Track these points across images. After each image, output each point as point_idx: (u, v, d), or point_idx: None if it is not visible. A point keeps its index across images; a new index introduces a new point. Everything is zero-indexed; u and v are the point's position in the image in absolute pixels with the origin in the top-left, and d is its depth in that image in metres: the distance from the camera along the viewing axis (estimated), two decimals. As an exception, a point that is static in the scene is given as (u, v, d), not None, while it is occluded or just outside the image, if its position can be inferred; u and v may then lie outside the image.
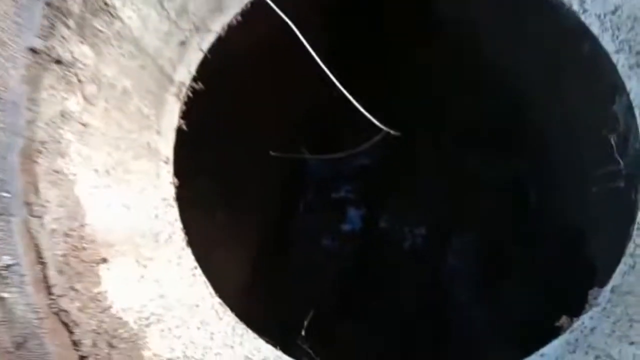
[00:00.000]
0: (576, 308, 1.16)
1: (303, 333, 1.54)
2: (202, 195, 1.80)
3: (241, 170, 2.12)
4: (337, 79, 1.56)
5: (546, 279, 2.11)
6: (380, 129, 1.69)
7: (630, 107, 1.45)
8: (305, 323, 1.58)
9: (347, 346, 2.38)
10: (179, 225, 1.36)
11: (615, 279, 1.10)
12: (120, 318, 0.96)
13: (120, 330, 0.95)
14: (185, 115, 1.34)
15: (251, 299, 2.17)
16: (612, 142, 1.49)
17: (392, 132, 1.74)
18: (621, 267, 1.10)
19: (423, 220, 2.76)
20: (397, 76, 3.11)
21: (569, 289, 2.00)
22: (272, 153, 1.96)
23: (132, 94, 1.08)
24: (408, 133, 2.99)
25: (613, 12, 1.41)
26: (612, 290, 1.09)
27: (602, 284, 1.11)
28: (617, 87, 1.64)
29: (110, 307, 0.96)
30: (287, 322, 1.84)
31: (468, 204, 2.69)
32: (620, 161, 1.46)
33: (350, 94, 1.66)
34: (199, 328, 1.13)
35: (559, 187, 2.37)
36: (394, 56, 3.09)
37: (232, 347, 1.16)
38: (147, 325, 1.00)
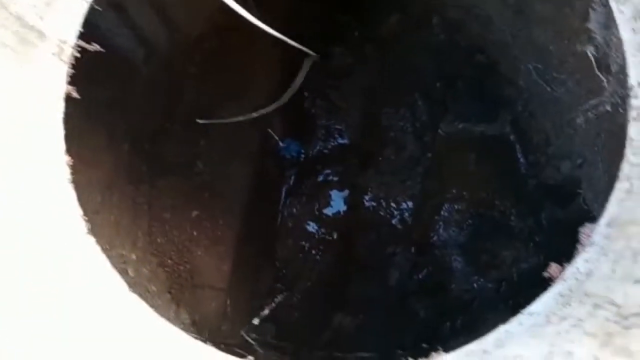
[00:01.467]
0: (568, 253, 0.95)
1: (256, 321, 1.33)
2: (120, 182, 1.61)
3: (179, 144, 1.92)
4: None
5: (535, 228, 1.91)
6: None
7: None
8: (267, 310, 1.37)
9: (337, 337, 2.19)
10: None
11: (611, 210, 0.89)
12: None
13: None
14: (75, 80, 1.11)
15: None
16: (591, 57, 1.29)
17: (310, 52, 1.55)
18: (616, 194, 0.89)
19: (409, 194, 2.56)
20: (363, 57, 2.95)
21: (557, 234, 1.80)
22: (198, 120, 1.78)
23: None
24: (383, 107, 2.83)
25: None
26: (609, 224, 0.88)
27: (595, 218, 0.90)
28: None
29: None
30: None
31: (454, 172, 2.49)
32: (603, 78, 1.25)
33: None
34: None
35: (548, 136, 2.17)
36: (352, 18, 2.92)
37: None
38: None
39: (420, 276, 2.37)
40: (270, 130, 1.99)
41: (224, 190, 2.52)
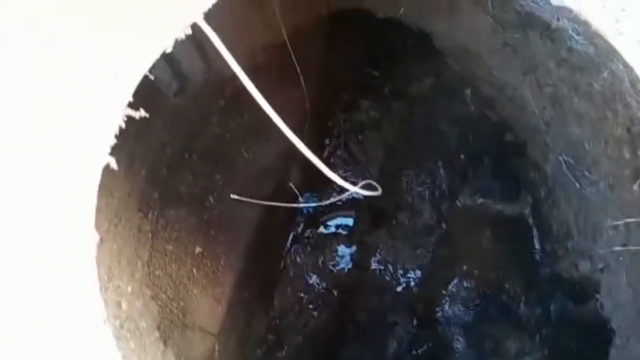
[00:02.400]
0: None
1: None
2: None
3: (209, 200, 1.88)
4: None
5: (543, 320, 1.84)
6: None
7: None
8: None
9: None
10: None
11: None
12: None
13: None
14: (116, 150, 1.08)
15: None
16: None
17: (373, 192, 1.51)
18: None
19: (418, 263, 2.49)
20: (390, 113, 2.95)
21: (565, 331, 1.72)
22: (232, 197, 1.75)
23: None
24: (403, 168, 2.79)
25: None
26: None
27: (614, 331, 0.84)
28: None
29: None
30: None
31: (467, 246, 2.44)
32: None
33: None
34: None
35: (569, 230, 2.12)
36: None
37: None
38: None
39: (419, 351, 2.28)
40: (292, 185, 1.94)
41: (231, 229, 2.45)
